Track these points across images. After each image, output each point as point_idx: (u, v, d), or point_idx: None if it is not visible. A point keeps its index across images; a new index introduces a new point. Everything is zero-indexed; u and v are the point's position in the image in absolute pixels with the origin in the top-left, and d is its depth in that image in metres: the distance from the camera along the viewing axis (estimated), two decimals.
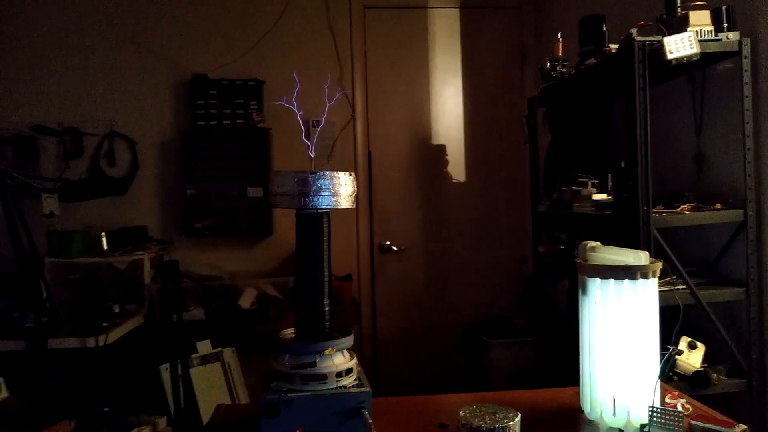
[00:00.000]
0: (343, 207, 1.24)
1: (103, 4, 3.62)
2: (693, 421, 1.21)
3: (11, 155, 3.52)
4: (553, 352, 3.03)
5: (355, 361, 1.26)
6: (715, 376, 2.01)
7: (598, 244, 1.33)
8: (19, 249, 2.63)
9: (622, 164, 2.12)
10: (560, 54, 2.71)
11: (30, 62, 3.59)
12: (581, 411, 1.34)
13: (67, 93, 3.61)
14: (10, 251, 2.67)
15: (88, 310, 2.68)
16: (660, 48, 1.94)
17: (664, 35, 1.96)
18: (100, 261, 3.19)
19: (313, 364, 1.19)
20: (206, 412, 2.88)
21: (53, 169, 3.55)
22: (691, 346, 2.06)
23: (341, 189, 1.22)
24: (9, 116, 3.54)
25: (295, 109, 1.39)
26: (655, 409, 1.18)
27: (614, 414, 1.25)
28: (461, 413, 1.18)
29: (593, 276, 1.27)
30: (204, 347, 3.15)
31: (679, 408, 1.26)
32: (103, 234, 3.32)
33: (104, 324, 2.71)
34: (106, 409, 2.73)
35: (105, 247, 3.30)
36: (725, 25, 2.03)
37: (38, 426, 2.16)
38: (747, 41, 2.02)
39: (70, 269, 3.15)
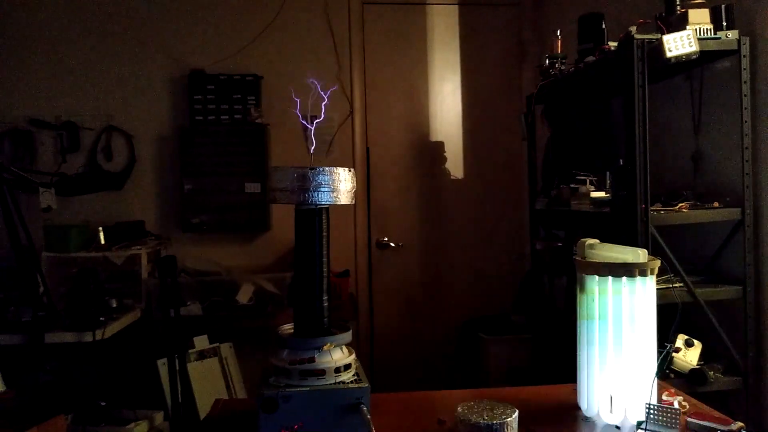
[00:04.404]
0: (343, 203, 1.24)
1: None
2: (689, 419, 1.21)
3: (8, 149, 3.50)
4: (551, 349, 3.04)
5: (353, 356, 1.26)
6: (711, 373, 2.02)
7: (597, 241, 1.34)
8: (16, 243, 2.63)
9: (621, 162, 2.12)
10: (559, 51, 2.71)
11: (27, 56, 3.57)
12: (578, 408, 1.34)
13: (64, 87, 3.59)
14: (7, 245, 2.67)
15: (85, 305, 2.67)
16: (659, 46, 1.94)
17: (663, 33, 1.97)
18: (97, 256, 3.18)
19: (312, 360, 1.19)
20: (203, 408, 2.89)
21: (50, 163, 3.54)
22: (688, 344, 2.06)
23: (340, 185, 1.22)
24: (5, 110, 3.53)
25: (294, 105, 1.39)
26: (652, 406, 1.19)
27: (611, 411, 1.25)
28: (459, 409, 1.18)
29: (591, 273, 1.27)
30: (201, 342, 3.15)
31: (676, 405, 1.27)
32: (101, 228, 3.32)
33: (101, 319, 2.70)
34: (103, 404, 2.73)
35: (102, 241, 3.29)
36: (724, 23, 2.03)
37: (34, 420, 2.15)
38: (746, 40, 2.03)
39: (67, 264, 3.14)
